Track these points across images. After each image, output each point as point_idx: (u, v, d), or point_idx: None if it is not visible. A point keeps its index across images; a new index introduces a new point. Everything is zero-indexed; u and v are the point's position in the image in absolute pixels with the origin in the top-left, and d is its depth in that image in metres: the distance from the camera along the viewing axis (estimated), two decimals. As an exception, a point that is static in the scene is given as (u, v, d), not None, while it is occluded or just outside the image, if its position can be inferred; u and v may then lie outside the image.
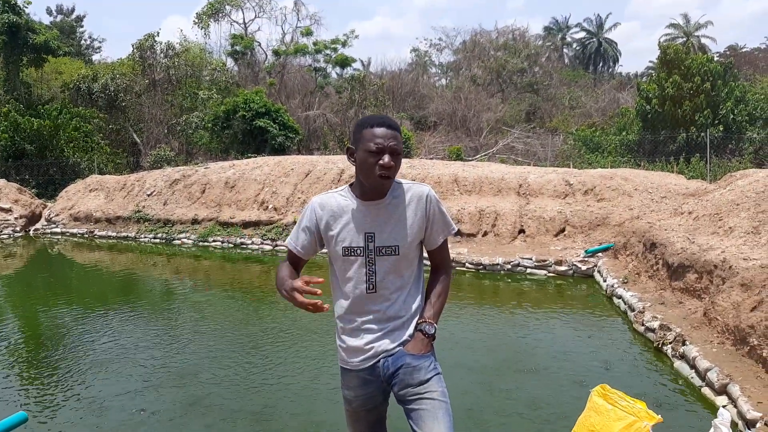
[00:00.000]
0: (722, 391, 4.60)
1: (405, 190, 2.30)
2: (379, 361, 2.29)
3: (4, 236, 16.37)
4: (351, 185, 2.32)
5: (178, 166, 20.97)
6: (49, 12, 46.08)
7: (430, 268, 2.47)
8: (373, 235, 2.25)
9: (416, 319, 2.32)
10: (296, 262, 2.39)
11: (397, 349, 2.28)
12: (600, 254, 9.82)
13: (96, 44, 47.66)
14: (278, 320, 7.52)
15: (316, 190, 14.06)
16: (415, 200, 2.29)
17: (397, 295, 2.29)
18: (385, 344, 2.28)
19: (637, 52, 78.53)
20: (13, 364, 6.04)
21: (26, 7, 27.71)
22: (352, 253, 2.26)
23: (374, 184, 2.21)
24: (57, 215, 17.28)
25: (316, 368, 5.62)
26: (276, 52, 36.06)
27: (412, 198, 2.29)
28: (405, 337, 2.29)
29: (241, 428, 4.41)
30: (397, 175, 2.28)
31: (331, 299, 2.38)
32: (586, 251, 10.00)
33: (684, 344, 5.52)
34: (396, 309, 2.29)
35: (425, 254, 2.42)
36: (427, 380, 2.24)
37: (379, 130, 2.17)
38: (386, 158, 2.15)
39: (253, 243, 13.45)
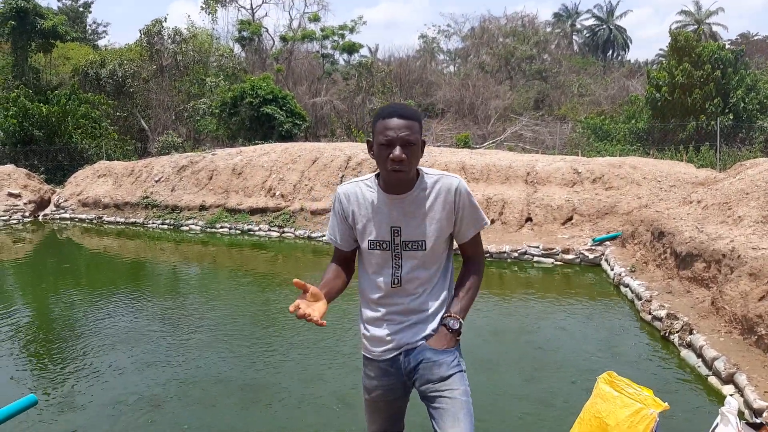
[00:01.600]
0: (729, 380, 4.60)
1: (433, 182, 2.19)
2: (400, 353, 2.23)
3: (14, 221, 16.47)
4: (377, 174, 2.23)
5: (185, 152, 20.99)
6: (57, -3, 45.97)
7: (462, 261, 2.37)
8: (399, 229, 2.17)
9: (441, 313, 2.24)
10: (343, 257, 2.31)
11: (420, 342, 2.21)
12: (607, 243, 9.79)
13: (101, 29, 47.60)
14: (284, 304, 7.56)
15: (323, 177, 14.06)
16: (444, 193, 2.18)
17: (422, 289, 2.22)
18: (408, 337, 2.22)
19: (647, 40, 77.66)
20: (22, 348, 6.11)
21: (34, -8, 27.72)
22: (378, 247, 2.20)
23: (388, 178, 2.14)
24: (66, 201, 17.38)
25: (320, 348, 5.67)
26: (283, 38, 35.92)
27: (440, 191, 2.18)
28: (428, 332, 2.22)
29: (236, 401, 4.47)
30: (424, 164, 2.18)
31: (357, 285, 2.35)
32: (593, 240, 9.97)
33: (691, 333, 5.51)
34: (420, 302, 2.22)
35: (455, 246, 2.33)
36: (448, 377, 2.15)
37: (391, 122, 2.06)
38: (397, 151, 2.04)
39: (260, 230, 13.49)
